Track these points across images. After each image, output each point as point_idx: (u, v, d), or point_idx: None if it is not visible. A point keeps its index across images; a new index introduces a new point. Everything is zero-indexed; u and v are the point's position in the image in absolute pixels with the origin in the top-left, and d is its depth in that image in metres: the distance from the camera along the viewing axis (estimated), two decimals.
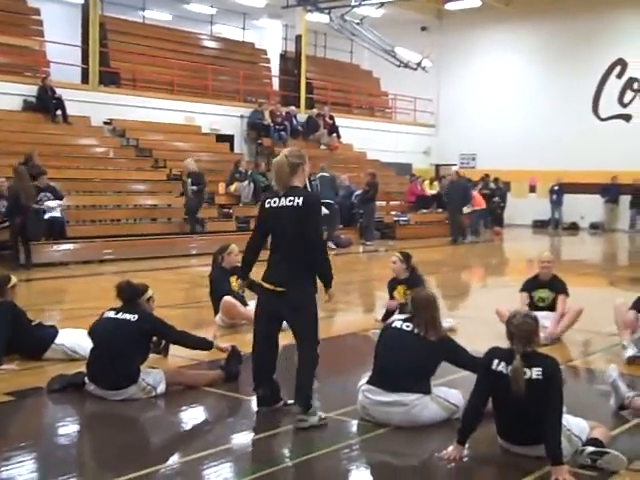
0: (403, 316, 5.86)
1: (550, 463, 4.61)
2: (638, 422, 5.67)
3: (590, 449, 4.76)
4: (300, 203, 5.45)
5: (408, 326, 5.59)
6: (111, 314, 6.25)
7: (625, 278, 14.95)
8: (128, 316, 6.15)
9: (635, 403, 5.72)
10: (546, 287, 8.64)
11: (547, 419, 4.65)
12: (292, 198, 5.48)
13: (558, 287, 8.61)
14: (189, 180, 17.83)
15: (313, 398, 5.45)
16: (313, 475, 4.98)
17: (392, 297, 8.92)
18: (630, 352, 7.34)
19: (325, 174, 19.92)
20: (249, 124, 23.55)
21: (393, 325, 5.72)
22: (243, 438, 5.44)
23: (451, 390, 5.67)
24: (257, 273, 5.75)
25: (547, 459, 4.64)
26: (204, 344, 6.65)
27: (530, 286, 8.74)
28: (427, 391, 5.49)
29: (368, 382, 5.59)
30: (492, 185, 26.47)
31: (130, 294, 6.30)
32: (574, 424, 4.92)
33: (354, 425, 5.56)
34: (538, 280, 8.73)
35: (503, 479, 4.67)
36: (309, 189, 15.58)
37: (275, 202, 5.57)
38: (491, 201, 25.30)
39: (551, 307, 8.54)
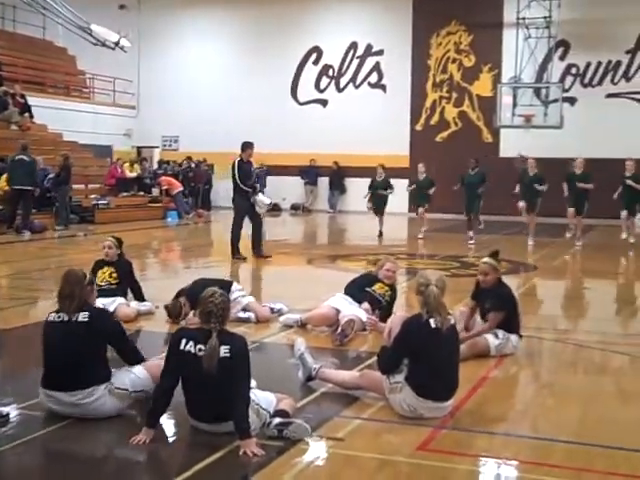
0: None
1: (238, 437, 4.66)
2: (323, 392, 5.93)
3: (277, 420, 4.90)
4: None
5: (60, 317, 5.27)
6: None
7: (323, 256, 15.64)
8: None
9: (321, 374, 5.97)
10: None
11: (234, 395, 4.70)
12: None
13: None
14: None
15: None
16: None
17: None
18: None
19: (24, 157, 18.66)
20: None
21: (49, 319, 5.34)
22: None
23: (130, 376, 5.41)
24: None
25: (236, 434, 4.68)
26: None
27: None
28: (98, 381, 5.21)
29: (41, 384, 5.28)
30: (190, 165, 26.62)
31: None
32: (262, 398, 5.02)
33: (40, 418, 5.25)
34: None
35: (193, 458, 4.63)
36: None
37: None
38: (191, 183, 25.45)
39: None
